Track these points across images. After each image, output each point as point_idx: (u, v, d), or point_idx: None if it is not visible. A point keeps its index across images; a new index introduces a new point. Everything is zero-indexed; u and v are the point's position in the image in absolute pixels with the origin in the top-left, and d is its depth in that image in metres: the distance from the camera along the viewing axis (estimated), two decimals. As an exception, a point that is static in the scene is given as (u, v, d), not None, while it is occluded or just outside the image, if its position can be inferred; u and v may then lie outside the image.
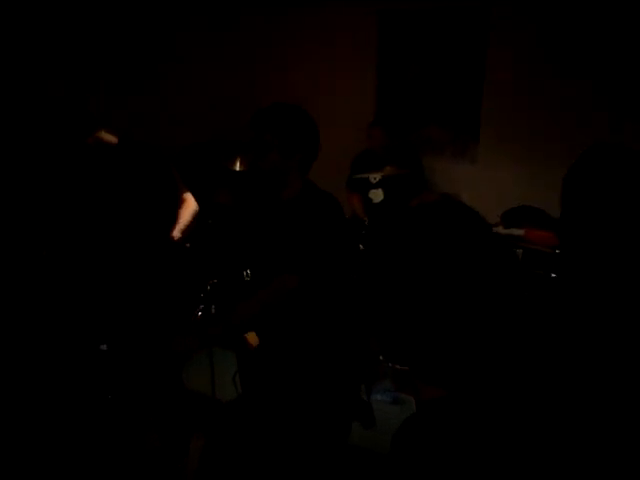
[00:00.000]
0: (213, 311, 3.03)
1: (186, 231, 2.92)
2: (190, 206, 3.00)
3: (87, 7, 4.34)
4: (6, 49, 3.89)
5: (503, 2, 4.09)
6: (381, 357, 3.58)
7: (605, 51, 3.72)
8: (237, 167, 4.30)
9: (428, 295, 0.97)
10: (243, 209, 2.47)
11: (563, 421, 1.01)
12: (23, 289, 2.95)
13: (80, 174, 2.80)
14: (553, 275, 3.21)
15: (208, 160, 4.78)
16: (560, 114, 3.99)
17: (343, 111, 4.82)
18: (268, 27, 5.20)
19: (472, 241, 1.01)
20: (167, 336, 2.82)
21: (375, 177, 4.33)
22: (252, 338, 2.27)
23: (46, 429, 2.66)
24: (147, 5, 4.82)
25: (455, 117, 4.56)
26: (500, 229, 3.73)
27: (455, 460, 0.92)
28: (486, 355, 1.00)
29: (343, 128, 4.61)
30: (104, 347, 2.77)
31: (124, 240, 2.78)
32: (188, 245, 3.01)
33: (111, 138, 2.78)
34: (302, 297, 2.17)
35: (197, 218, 3.01)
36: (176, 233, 2.87)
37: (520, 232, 3.60)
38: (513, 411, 0.98)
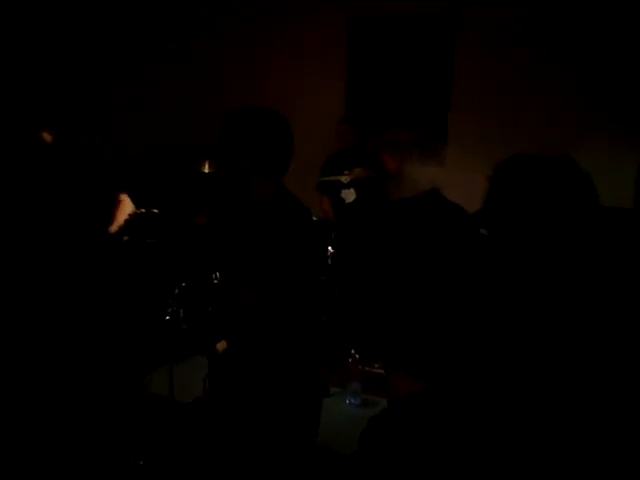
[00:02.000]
0: (181, 315, 2.99)
1: (121, 227, 2.93)
2: (125, 206, 2.99)
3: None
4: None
5: (469, 6, 4.13)
6: (356, 356, 3.58)
7: (572, 52, 3.78)
8: (206, 169, 4.26)
9: (407, 291, 0.97)
10: (216, 213, 2.46)
11: (533, 417, 1.02)
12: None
13: (14, 171, 2.76)
14: (512, 275, 3.24)
15: (178, 162, 4.73)
16: (527, 115, 4.05)
17: (313, 114, 4.81)
18: (238, 31, 5.17)
19: (452, 236, 1.02)
20: (135, 340, 2.78)
21: (346, 178, 4.34)
22: (220, 344, 2.26)
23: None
24: (115, 11, 4.76)
25: (424, 119, 4.59)
26: (469, 230, 3.76)
27: (421, 457, 0.92)
28: (463, 350, 1.00)
29: (312, 130, 4.60)
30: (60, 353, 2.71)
31: (56, 238, 2.75)
32: (126, 238, 3.00)
33: (47, 137, 2.74)
34: (265, 307, 2.16)
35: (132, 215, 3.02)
36: (113, 228, 2.88)
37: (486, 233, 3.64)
38: (481, 408, 0.99)
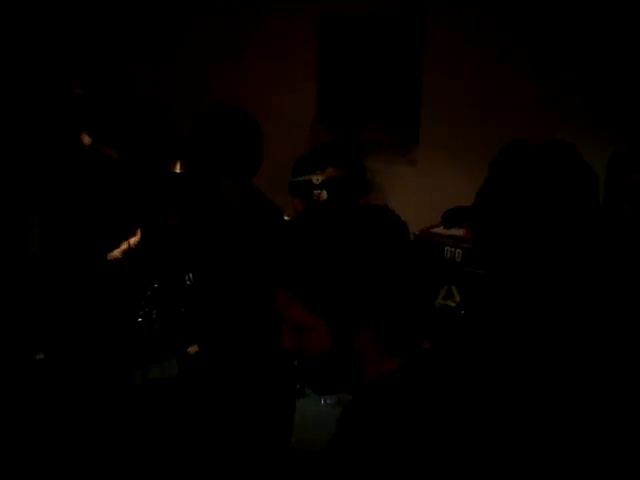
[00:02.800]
0: (154, 316, 2.97)
1: (124, 253, 2.87)
2: (136, 237, 2.97)
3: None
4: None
5: (438, 5, 4.17)
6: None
7: (542, 48, 3.83)
8: (177, 169, 4.23)
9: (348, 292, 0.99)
10: (188, 214, 2.45)
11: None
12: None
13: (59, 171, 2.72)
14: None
15: (147, 162, 4.68)
16: (497, 115, 4.09)
17: (284, 113, 4.80)
18: (207, 30, 5.14)
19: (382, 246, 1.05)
20: (108, 341, 2.75)
21: (317, 178, 4.33)
22: (191, 347, 2.27)
23: None
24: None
25: (395, 119, 4.61)
26: (440, 229, 3.78)
27: (399, 440, 0.92)
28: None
29: (284, 130, 4.60)
30: (40, 356, 2.68)
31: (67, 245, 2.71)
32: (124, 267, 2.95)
33: (86, 140, 2.70)
34: (236, 309, 2.15)
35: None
36: (116, 253, 2.83)
37: (460, 232, 3.67)
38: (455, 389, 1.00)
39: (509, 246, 1.38)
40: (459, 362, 1.15)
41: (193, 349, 2.36)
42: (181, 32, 5.23)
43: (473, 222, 1.52)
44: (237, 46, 5.04)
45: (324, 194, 4.46)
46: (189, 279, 2.63)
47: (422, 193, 4.35)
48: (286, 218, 2.58)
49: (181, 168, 4.18)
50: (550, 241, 1.34)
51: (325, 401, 3.50)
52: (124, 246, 2.88)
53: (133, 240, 2.91)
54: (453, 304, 3.29)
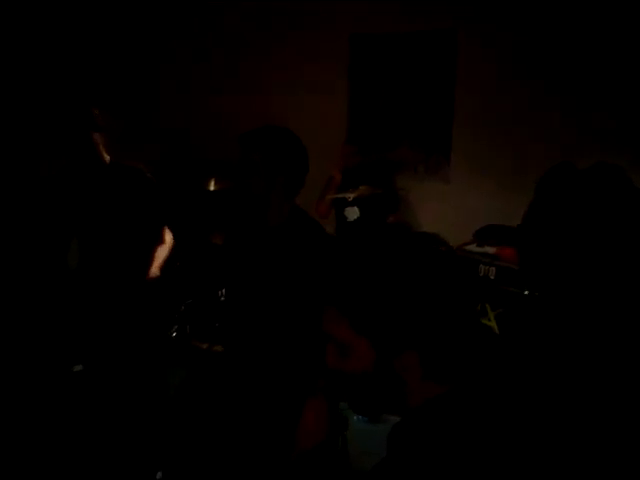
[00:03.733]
0: (188, 331, 3.01)
1: (162, 268, 2.92)
2: (167, 242, 3.00)
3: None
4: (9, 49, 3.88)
5: (470, 24, 4.18)
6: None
7: (576, 69, 3.81)
8: (212, 187, 4.30)
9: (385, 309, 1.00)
10: (231, 232, 2.44)
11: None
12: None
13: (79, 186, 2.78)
14: (526, 292, 3.26)
15: (183, 180, 4.76)
16: (530, 133, 4.07)
17: (315, 133, 4.83)
18: (239, 49, 5.23)
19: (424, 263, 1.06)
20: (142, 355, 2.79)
21: (350, 196, 4.36)
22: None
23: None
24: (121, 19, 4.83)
25: (427, 137, 4.62)
26: (473, 247, 3.77)
27: (450, 457, 0.93)
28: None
29: (315, 149, 4.63)
30: (78, 368, 2.73)
31: (105, 259, 2.76)
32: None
33: (105, 157, 2.76)
34: (278, 324, 2.15)
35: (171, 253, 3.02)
36: (154, 270, 2.87)
37: (492, 250, 3.65)
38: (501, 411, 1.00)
39: (558, 270, 1.37)
40: (511, 388, 1.14)
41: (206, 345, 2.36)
42: (215, 53, 5.33)
43: (519, 244, 1.51)
44: (268, 65, 5.12)
45: (355, 212, 4.48)
46: (222, 295, 2.65)
47: (454, 211, 4.34)
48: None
49: (215, 186, 4.25)
50: (600, 266, 1.33)
51: (357, 417, 3.49)
52: (159, 261, 2.92)
53: (164, 253, 2.95)
54: (487, 322, 3.27)
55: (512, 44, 4.04)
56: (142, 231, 2.85)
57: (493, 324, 3.28)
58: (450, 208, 4.38)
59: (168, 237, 3.03)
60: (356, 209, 4.43)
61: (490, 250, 3.66)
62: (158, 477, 2.43)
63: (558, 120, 3.92)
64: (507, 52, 4.07)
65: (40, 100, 3.93)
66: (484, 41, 4.17)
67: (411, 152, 4.72)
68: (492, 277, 3.44)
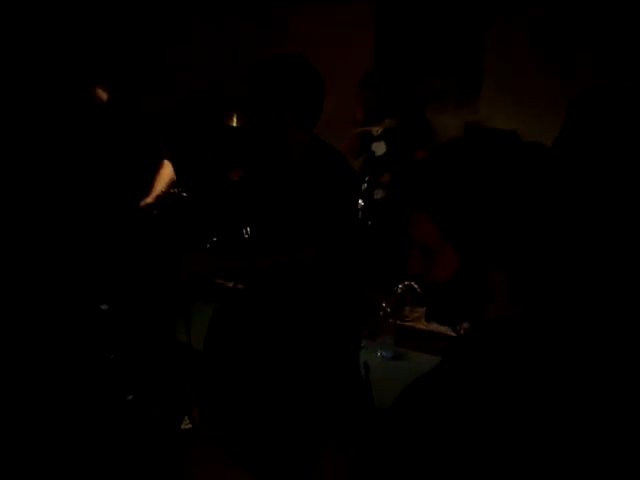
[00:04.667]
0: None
1: (157, 199, 2.90)
2: (166, 174, 2.98)
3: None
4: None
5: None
6: (387, 309, 3.57)
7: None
8: (234, 123, 4.23)
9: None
10: (249, 166, 2.41)
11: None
12: (19, 243, 2.94)
13: (68, 127, 2.77)
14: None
15: (205, 116, 4.69)
16: (564, 67, 3.91)
17: (341, 65, 4.70)
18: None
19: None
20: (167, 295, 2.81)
21: (377, 130, 4.27)
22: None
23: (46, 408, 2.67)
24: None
25: (457, 68, 4.46)
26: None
27: (454, 431, 0.90)
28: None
29: (341, 81, 4.51)
30: (105, 307, 2.77)
31: (105, 194, 2.76)
32: (156, 212, 2.98)
33: (102, 95, 2.74)
34: (327, 260, 2.13)
35: (171, 187, 3.00)
36: (148, 199, 2.85)
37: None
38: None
39: (591, 197, 1.30)
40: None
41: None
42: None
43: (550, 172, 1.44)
44: (291, 3, 4.95)
45: (382, 146, 4.39)
46: (247, 232, 2.63)
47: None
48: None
49: (238, 122, 4.18)
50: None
51: (382, 354, 3.51)
52: (156, 191, 2.90)
53: (165, 182, 2.93)
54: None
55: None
56: (134, 161, 2.84)
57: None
58: (480, 141, 4.27)
59: (167, 170, 3.00)
60: (383, 143, 4.33)
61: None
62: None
63: (591, 53, 3.76)
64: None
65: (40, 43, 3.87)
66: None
67: (440, 83, 4.57)
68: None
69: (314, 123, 2.13)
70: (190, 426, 2.96)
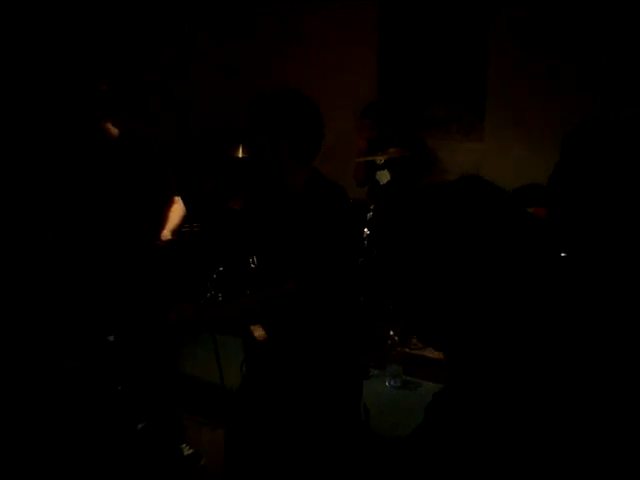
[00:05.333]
0: (220, 298, 3.01)
1: (174, 233, 2.91)
2: (179, 209, 3.02)
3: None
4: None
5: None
6: (395, 338, 3.55)
7: (613, 25, 3.65)
8: (240, 154, 4.27)
9: (445, 279, 0.93)
10: (252, 198, 2.43)
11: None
12: (27, 278, 2.95)
13: (80, 162, 2.80)
14: (562, 254, 3.17)
15: (212, 148, 4.74)
16: (568, 94, 3.94)
17: (344, 95, 4.75)
18: (266, 10, 5.14)
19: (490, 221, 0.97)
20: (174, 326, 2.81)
21: (380, 159, 4.30)
22: (258, 331, 2.25)
23: (47, 428, 2.66)
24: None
25: (460, 96, 4.49)
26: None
27: (483, 435, 0.89)
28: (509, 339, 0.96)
29: (344, 112, 4.56)
30: (111, 338, 2.76)
31: (118, 230, 2.78)
32: (176, 247, 3.00)
33: (113, 130, 2.78)
34: (304, 295, 2.13)
35: (184, 221, 3.02)
36: (166, 233, 2.87)
37: (529, 211, 3.55)
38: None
39: (587, 228, 1.30)
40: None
41: (259, 333, 2.36)
42: (242, 14, 5.24)
43: (548, 204, 1.44)
44: (297, 29, 5.02)
45: (386, 175, 4.41)
46: (253, 262, 2.64)
47: (488, 171, 4.22)
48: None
49: (244, 153, 4.22)
50: (630, 223, 1.26)
51: (390, 383, 3.48)
52: (173, 225, 2.92)
53: (176, 219, 2.95)
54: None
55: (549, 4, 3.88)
56: (146, 197, 2.86)
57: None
58: (484, 168, 4.28)
59: (179, 205, 3.03)
60: (386, 172, 4.36)
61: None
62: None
63: (597, 80, 3.78)
64: (545, 4, 3.91)
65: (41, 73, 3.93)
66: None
67: (443, 110, 4.60)
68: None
69: (312, 157, 2.15)
70: (192, 451, 2.97)
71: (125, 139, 2.82)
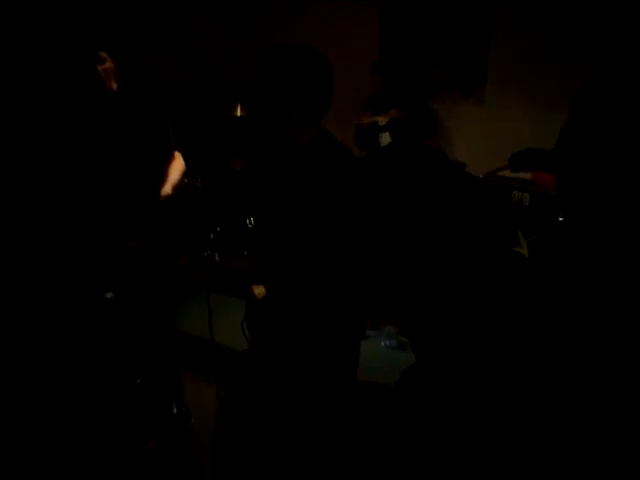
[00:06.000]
0: (217, 258, 3.01)
1: (175, 189, 2.89)
2: (179, 164, 2.99)
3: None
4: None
5: None
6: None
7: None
8: (238, 113, 4.22)
9: (415, 254, 0.94)
10: (253, 157, 2.41)
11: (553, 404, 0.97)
12: (23, 236, 2.95)
13: (79, 116, 2.76)
14: (561, 219, 3.16)
15: (209, 105, 4.68)
16: (569, 56, 3.88)
17: (345, 56, 4.67)
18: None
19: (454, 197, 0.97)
20: (170, 284, 2.82)
21: (382, 120, 4.26)
22: (258, 289, 2.25)
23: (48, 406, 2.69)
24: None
25: (461, 58, 4.43)
26: (507, 173, 3.66)
27: (449, 414, 0.90)
28: (478, 314, 0.97)
29: (346, 73, 4.48)
30: (110, 295, 2.77)
31: (118, 185, 2.76)
32: (175, 202, 2.98)
33: (113, 84, 2.72)
34: (304, 257, 2.12)
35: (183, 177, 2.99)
36: (167, 189, 2.85)
37: (528, 175, 3.54)
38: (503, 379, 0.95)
39: (597, 193, 1.28)
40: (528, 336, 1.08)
41: (259, 291, 2.36)
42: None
43: (557, 167, 1.41)
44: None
45: (387, 137, 4.37)
46: (250, 222, 2.63)
47: (489, 135, 4.20)
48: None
49: (242, 111, 4.17)
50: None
51: (385, 343, 3.52)
52: (173, 180, 2.90)
53: (176, 175, 2.93)
54: (520, 250, 3.20)
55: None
56: (146, 152, 2.83)
57: (525, 252, 3.21)
58: (485, 132, 4.25)
59: (179, 160, 3.01)
60: (387, 134, 4.32)
61: (525, 175, 3.54)
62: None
63: (596, 46, 3.73)
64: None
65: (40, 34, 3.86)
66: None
67: (445, 74, 4.55)
68: (526, 203, 3.35)
69: (322, 111, 2.09)
70: (182, 410, 3.01)
71: (125, 93, 2.77)
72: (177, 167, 2.98)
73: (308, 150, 2.07)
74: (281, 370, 2.27)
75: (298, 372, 2.24)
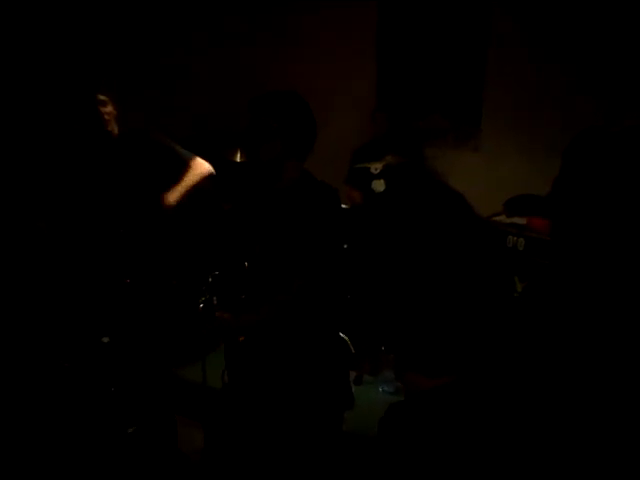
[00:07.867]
0: (215, 302, 3.01)
1: (185, 194, 2.79)
2: (196, 169, 2.86)
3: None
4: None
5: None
6: (382, 348, 3.56)
7: (611, 40, 3.68)
8: (238, 159, 4.28)
9: (416, 287, 0.96)
10: (241, 200, 2.46)
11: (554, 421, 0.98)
12: (21, 275, 2.94)
13: (78, 160, 2.79)
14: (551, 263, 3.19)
15: (208, 152, 4.73)
16: (564, 103, 3.96)
17: (342, 101, 4.78)
18: (266, 14, 5.16)
19: (458, 231, 1.01)
20: (169, 329, 2.81)
21: (376, 167, 4.30)
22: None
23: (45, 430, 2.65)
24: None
25: (457, 105, 4.52)
26: (502, 218, 3.70)
27: (436, 447, 0.91)
28: (475, 346, 0.98)
29: (343, 118, 4.58)
30: (106, 340, 2.76)
31: (114, 229, 2.76)
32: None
33: (114, 130, 2.75)
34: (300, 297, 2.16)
35: (210, 181, 2.92)
36: (170, 195, 2.75)
37: (523, 221, 3.58)
38: (500, 406, 0.96)
39: (591, 238, 1.31)
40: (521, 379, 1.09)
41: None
42: (244, 18, 5.25)
43: (551, 213, 1.45)
44: (296, 34, 5.04)
45: (381, 184, 4.41)
46: (245, 265, 2.64)
47: (484, 181, 4.26)
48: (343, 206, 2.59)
49: (242, 157, 4.22)
50: (632, 235, 1.27)
51: (383, 389, 3.49)
52: (180, 187, 2.83)
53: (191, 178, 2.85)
54: (516, 295, 3.21)
55: (549, 9, 3.91)
56: (144, 190, 2.82)
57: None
58: (480, 178, 4.30)
59: (195, 167, 2.90)
60: (382, 182, 4.36)
61: (520, 221, 3.59)
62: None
63: (594, 92, 3.81)
64: (544, 17, 3.94)
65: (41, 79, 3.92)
66: (518, 7, 4.03)
67: (441, 121, 4.63)
68: (521, 248, 3.38)
69: (306, 153, 2.21)
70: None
71: (125, 137, 2.79)
72: (189, 173, 2.86)
73: (290, 188, 2.17)
74: (260, 412, 2.26)
75: (281, 416, 2.24)
